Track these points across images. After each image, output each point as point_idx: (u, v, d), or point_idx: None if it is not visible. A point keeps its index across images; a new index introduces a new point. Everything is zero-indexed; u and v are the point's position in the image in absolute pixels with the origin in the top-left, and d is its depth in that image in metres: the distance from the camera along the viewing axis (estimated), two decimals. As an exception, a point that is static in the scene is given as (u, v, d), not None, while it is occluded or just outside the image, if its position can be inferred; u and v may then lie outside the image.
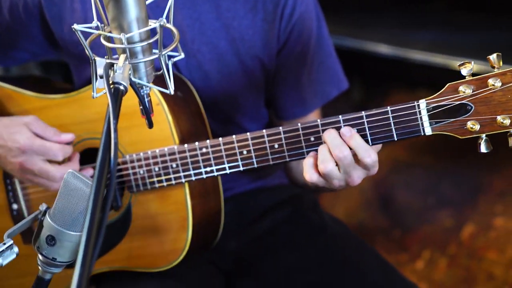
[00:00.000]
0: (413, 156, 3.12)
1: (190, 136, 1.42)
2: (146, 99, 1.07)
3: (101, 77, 1.01)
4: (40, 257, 1.06)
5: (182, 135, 1.41)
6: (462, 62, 1.21)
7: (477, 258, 2.48)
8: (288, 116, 1.59)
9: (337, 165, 1.20)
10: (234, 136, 1.33)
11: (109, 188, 0.88)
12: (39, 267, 1.08)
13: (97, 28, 1.03)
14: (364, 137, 1.22)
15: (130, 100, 1.38)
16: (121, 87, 0.97)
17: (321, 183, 1.25)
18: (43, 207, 1.07)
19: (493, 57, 1.20)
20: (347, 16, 2.79)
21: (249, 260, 1.60)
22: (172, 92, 1.05)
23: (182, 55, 1.06)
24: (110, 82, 0.97)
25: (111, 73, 0.99)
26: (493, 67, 1.20)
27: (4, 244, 1.05)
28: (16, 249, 1.07)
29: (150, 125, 1.11)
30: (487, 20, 2.72)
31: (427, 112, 1.21)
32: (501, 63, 1.21)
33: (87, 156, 1.48)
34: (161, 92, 1.36)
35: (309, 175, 1.23)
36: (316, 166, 1.22)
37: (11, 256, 1.06)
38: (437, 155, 3.10)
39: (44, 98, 1.53)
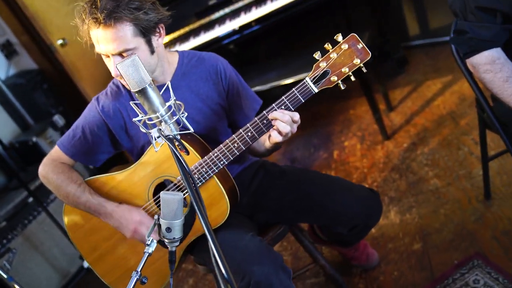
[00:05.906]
0: (300, 130, 3.73)
1: (202, 153, 1.94)
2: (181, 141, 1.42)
3: (158, 137, 1.40)
4: (166, 240, 1.40)
5: (199, 153, 1.92)
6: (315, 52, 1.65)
7: (347, 164, 3.26)
8: (241, 126, 1.95)
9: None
10: (223, 143, 1.87)
11: (195, 186, 1.30)
12: (168, 246, 1.42)
13: (143, 117, 1.42)
14: (287, 108, 1.76)
15: (165, 152, 1.94)
16: (171, 136, 1.38)
17: (280, 140, 1.77)
18: (156, 217, 1.42)
19: (327, 44, 1.66)
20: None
21: (256, 204, 2.18)
22: (193, 130, 1.48)
23: (186, 114, 1.46)
24: (165, 135, 1.39)
25: (161, 134, 1.39)
26: (330, 49, 1.67)
27: (149, 239, 1.47)
28: (155, 240, 1.44)
29: (187, 152, 1.62)
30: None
31: (312, 81, 1.72)
32: (330, 46, 1.69)
33: (159, 189, 1.97)
34: (185, 138, 1.89)
35: (277, 139, 1.78)
36: (279, 133, 1.78)
37: (154, 245, 1.45)
38: (304, 127, 3.86)
39: (122, 172, 2.00)
